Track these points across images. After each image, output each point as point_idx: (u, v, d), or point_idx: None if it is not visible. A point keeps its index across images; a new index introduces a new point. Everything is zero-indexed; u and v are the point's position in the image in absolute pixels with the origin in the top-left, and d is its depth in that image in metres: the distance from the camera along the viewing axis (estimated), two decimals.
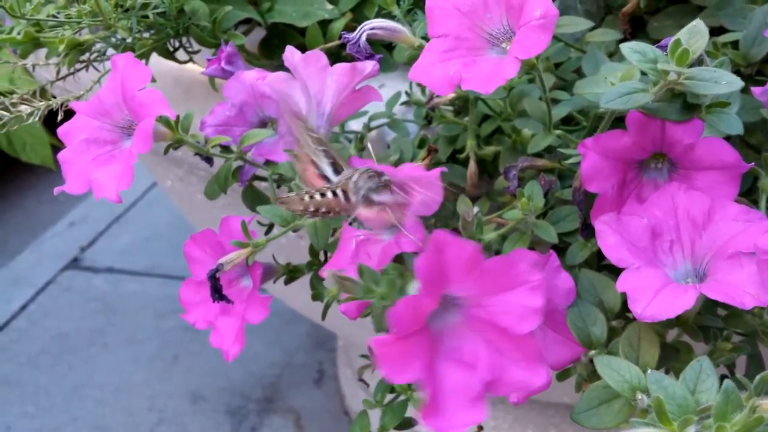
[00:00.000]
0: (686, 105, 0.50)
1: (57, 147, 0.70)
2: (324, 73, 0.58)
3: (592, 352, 0.51)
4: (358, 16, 0.84)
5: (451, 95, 0.70)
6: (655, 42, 0.78)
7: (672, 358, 0.51)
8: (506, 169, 0.62)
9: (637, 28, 0.82)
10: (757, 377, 0.40)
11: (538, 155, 0.64)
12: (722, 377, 0.60)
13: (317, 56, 0.58)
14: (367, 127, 0.76)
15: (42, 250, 1.94)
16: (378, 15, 0.81)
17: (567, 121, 0.67)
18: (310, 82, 0.58)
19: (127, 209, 2.07)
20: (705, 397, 0.41)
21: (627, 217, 0.51)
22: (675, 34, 0.75)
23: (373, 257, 0.56)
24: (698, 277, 0.50)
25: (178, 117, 0.60)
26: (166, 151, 0.62)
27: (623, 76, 0.51)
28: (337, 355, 1.55)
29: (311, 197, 0.53)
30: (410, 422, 0.63)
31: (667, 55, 0.49)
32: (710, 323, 0.51)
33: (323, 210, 0.53)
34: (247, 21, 0.84)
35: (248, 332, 0.66)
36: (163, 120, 0.60)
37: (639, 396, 0.44)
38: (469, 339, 0.47)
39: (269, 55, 0.85)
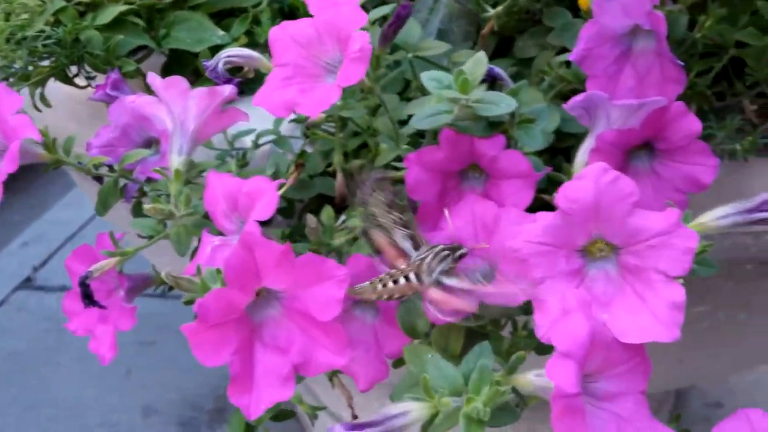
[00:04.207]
0: (490, 123, 0.56)
1: None
2: (185, 96, 0.64)
3: (416, 341, 0.56)
4: (252, 39, 0.90)
5: (323, 115, 0.76)
6: (520, 60, 0.85)
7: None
8: (361, 182, 0.68)
9: (509, 48, 0.88)
10: (513, 357, 0.46)
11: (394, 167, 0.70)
12: None
13: (177, 81, 0.64)
14: (255, 144, 0.82)
15: None
16: None
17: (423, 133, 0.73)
18: (172, 104, 0.64)
19: (81, 228, 2.08)
20: None
21: (431, 234, 0.58)
22: (535, 52, 0.83)
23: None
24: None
25: (54, 139, 0.66)
26: (45, 170, 0.67)
27: (437, 99, 0.57)
28: None
29: (384, 285, 0.53)
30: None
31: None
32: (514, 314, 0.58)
33: (397, 295, 0.54)
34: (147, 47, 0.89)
35: None
36: (43, 142, 0.65)
37: None
38: (286, 327, 0.53)
39: None
